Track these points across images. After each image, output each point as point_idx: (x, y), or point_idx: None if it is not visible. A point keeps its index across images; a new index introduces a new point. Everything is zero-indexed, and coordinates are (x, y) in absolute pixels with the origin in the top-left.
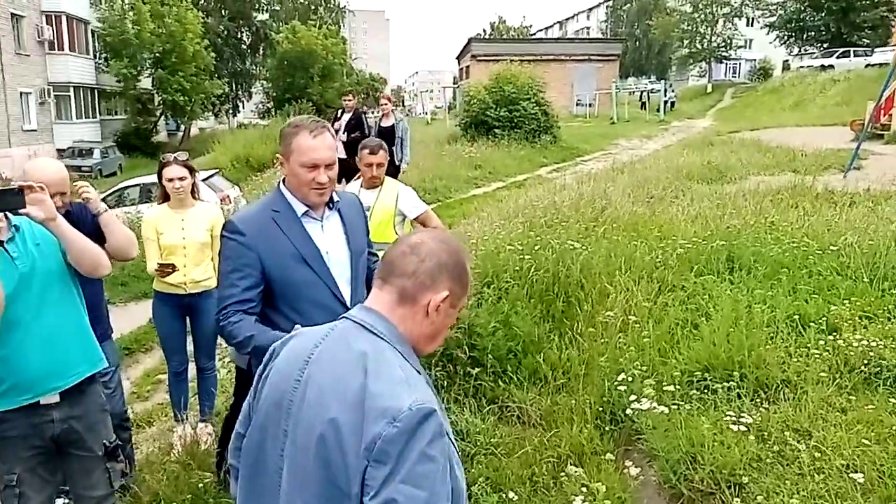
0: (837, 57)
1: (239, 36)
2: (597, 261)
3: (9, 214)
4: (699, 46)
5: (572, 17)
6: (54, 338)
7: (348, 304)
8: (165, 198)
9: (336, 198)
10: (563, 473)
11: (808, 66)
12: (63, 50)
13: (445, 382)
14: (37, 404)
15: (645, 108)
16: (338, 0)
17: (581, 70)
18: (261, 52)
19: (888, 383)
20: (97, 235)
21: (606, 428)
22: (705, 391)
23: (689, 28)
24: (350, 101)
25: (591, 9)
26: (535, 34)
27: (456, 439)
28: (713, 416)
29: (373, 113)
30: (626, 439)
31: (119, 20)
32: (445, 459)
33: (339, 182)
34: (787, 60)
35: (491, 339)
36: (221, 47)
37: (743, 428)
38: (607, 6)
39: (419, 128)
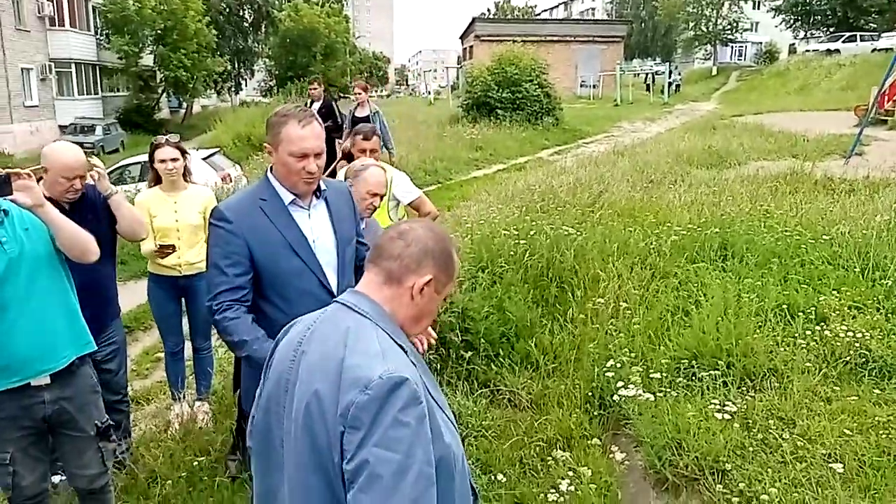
0: (843, 41)
1: (241, 13)
2: (591, 246)
3: None
4: (705, 29)
5: None
6: (43, 321)
7: (335, 291)
8: (157, 180)
9: (323, 186)
10: (550, 457)
11: (813, 51)
12: (64, 26)
13: (439, 365)
14: (27, 386)
15: (649, 91)
16: None
17: (585, 51)
18: (263, 29)
19: (873, 374)
20: (109, 216)
21: (595, 413)
22: (692, 379)
23: (695, 10)
24: (315, 89)
25: None
26: (539, 15)
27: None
28: (699, 403)
29: (353, 98)
30: (615, 424)
31: None
32: (422, 426)
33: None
34: (793, 44)
35: (484, 324)
36: (223, 24)
37: (727, 416)
38: None
39: (421, 108)
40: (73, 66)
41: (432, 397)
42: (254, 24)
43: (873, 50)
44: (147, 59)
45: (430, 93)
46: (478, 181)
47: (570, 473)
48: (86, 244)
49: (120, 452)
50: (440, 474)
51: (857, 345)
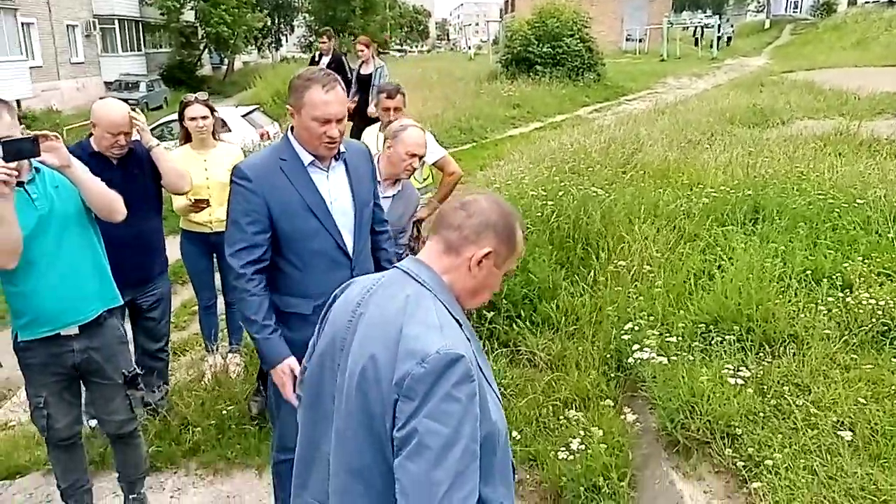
0: None
1: None
2: (620, 208)
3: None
4: None
5: None
6: (71, 277)
7: (350, 253)
8: (187, 138)
9: (342, 148)
10: (564, 416)
11: (874, 2)
12: None
13: None
14: (57, 335)
15: (698, 45)
16: None
17: (632, 3)
18: None
19: (895, 343)
20: (154, 171)
21: (612, 375)
22: (711, 343)
23: None
24: (325, 42)
25: None
26: None
27: None
28: (715, 367)
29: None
30: (630, 387)
31: None
32: (472, 403)
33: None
34: None
35: (507, 284)
36: None
37: (740, 381)
38: None
39: (461, 64)
40: (116, 22)
41: (483, 374)
42: None
43: None
44: (188, 15)
45: (470, 48)
46: (513, 140)
47: (582, 433)
48: (113, 203)
49: (157, 400)
50: (484, 450)
51: (881, 313)
